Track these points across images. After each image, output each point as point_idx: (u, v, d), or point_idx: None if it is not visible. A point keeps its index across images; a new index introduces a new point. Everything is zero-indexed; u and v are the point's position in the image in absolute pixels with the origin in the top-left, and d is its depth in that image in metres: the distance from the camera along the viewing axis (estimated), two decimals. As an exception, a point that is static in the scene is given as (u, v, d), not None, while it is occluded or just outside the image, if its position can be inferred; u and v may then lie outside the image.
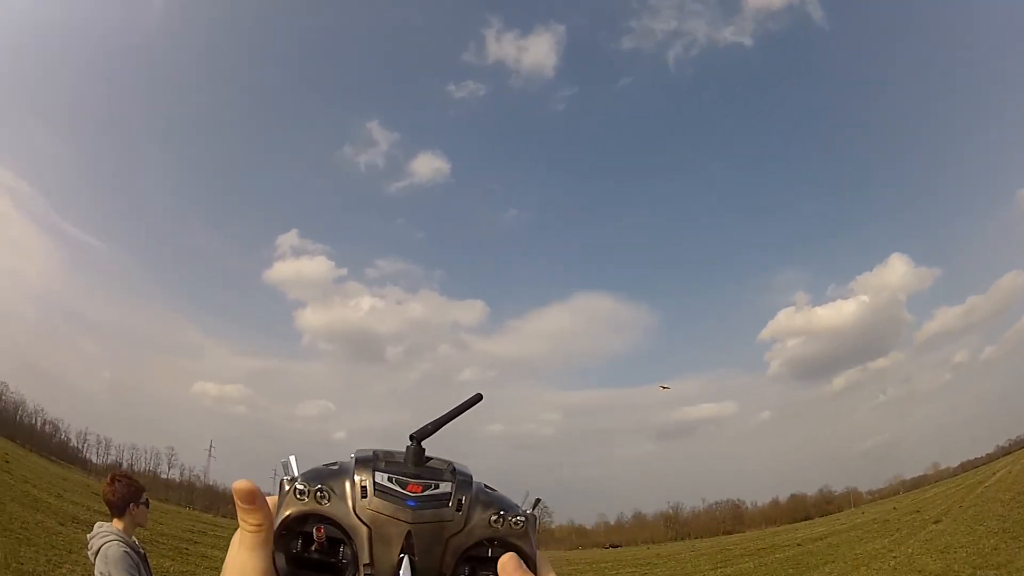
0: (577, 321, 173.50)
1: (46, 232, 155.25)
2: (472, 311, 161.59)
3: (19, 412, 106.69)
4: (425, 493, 1.03)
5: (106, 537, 5.66)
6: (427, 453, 1.11)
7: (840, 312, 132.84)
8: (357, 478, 1.03)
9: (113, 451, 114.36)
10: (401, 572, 0.98)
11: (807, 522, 77.65)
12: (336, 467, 1.07)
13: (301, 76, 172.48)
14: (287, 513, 1.01)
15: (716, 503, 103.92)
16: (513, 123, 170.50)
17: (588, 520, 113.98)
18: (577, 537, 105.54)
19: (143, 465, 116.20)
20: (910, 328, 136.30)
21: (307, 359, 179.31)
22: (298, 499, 1.01)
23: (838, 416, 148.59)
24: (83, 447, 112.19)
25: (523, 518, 1.07)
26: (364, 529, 1.00)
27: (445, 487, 1.04)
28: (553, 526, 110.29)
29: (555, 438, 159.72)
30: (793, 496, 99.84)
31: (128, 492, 5.96)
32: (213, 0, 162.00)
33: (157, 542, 34.97)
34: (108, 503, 5.89)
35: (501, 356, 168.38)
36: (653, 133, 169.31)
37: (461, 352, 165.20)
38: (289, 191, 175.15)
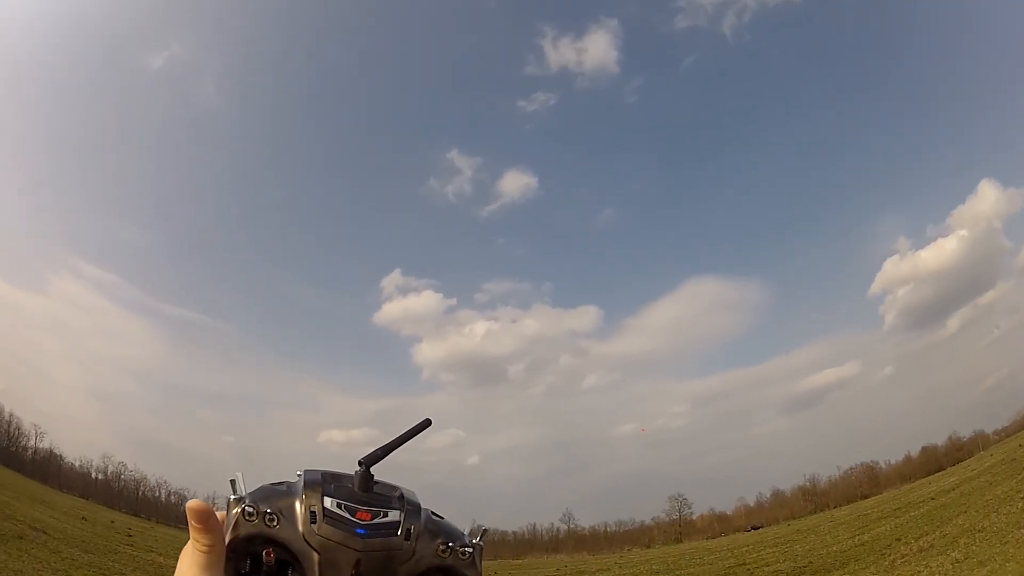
0: (690, 309, 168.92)
1: (144, 316, 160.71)
2: (586, 317, 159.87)
3: (140, 488, 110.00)
4: (374, 521, 1.04)
5: None
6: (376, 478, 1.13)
7: (942, 251, 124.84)
8: (306, 502, 1.04)
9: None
10: None
11: (939, 473, 72.74)
12: (284, 488, 1.08)
13: (373, 122, 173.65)
14: (236, 534, 1.02)
15: (851, 468, 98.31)
16: (589, 124, 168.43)
17: (728, 506, 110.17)
18: (719, 525, 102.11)
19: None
20: (1010, 254, 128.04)
21: (430, 392, 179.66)
22: (247, 520, 1.02)
23: (957, 359, 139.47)
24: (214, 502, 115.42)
25: (470, 548, 1.10)
26: (314, 555, 1.01)
27: (394, 515, 1.06)
28: (694, 517, 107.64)
29: (687, 429, 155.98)
30: (924, 449, 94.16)
31: None
32: (268, 71, 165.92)
33: None
34: None
35: (621, 357, 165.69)
36: (727, 105, 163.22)
37: (581, 360, 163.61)
38: (384, 234, 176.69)
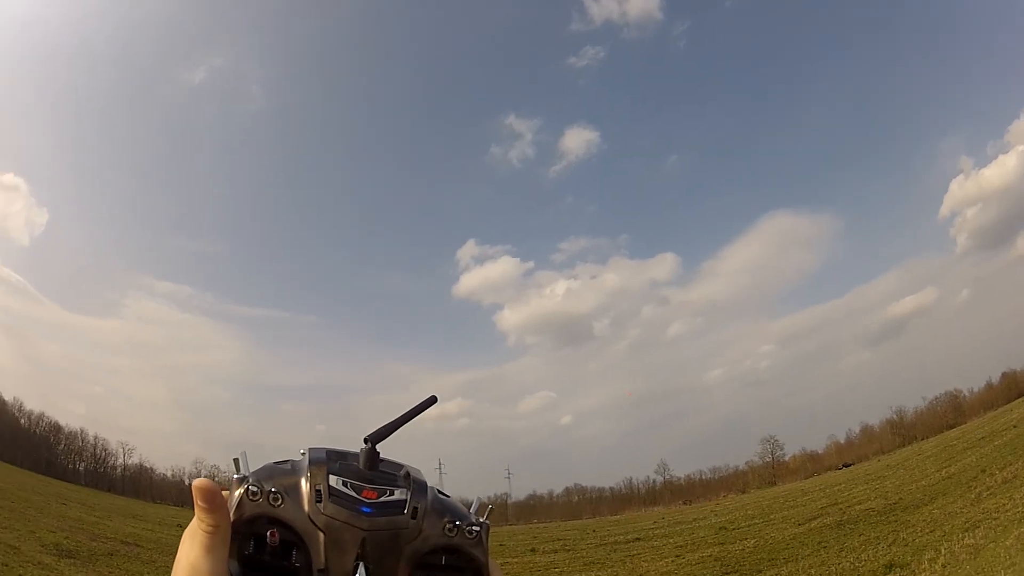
0: (767, 247, 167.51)
1: (222, 321, 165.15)
2: (664, 265, 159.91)
3: None
4: (380, 499, 1.03)
5: None
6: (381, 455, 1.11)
7: (1005, 168, 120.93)
8: (311, 481, 1.02)
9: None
10: None
11: (1021, 399, 72.64)
12: (288, 466, 1.07)
13: (427, 99, 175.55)
14: (239, 515, 1.00)
15: (935, 398, 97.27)
16: (642, 73, 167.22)
17: (819, 444, 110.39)
18: (811, 464, 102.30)
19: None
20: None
21: (517, 357, 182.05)
22: (251, 500, 1.00)
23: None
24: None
25: (477, 527, 1.07)
26: (319, 534, 0.99)
27: (400, 494, 1.04)
28: (787, 458, 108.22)
29: (774, 369, 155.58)
30: (1005, 374, 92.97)
31: None
32: (313, 65, 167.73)
33: (503, 574, 35.72)
34: None
35: (703, 302, 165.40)
36: (776, 37, 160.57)
37: (664, 309, 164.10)
38: (453, 207, 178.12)
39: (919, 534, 23.40)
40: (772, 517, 41.39)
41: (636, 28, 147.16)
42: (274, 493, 1.00)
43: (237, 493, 1.01)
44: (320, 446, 1.11)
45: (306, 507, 1.00)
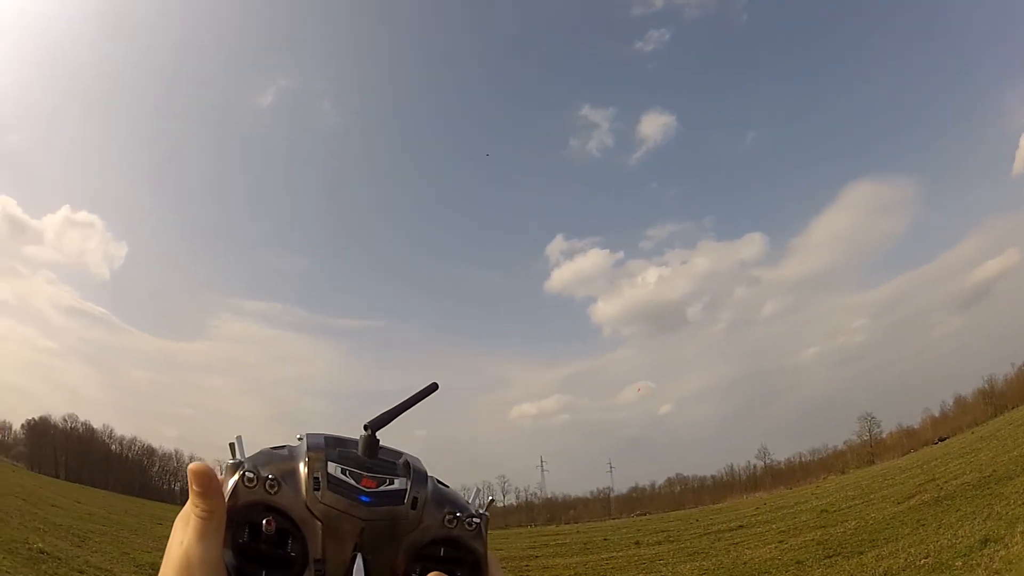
0: (852, 217, 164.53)
1: (316, 334, 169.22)
2: (753, 245, 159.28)
3: None
4: (380, 489, 0.98)
5: None
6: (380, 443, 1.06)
7: None
8: (310, 468, 0.97)
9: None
10: (355, 570, 0.93)
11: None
12: (286, 452, 1.02)
13: (501, 99, 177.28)
14: (235, 502, 0.95)
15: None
16: (710, 51, 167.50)
17: (914, 419, 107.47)
18: (907, 440, 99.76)
19: (477, 501, 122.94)
20: None
21: (613, 348, 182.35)
22: (247, 487, 0.95)
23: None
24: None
25: (478, 519, 1.03)
26: (316, 524, 0.95)
27: (400, 483, 1.00)
28: (884, 435, 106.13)
29: (868, 343, 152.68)
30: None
31: None
32: (383, 74, 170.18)
33: (501, 566, 36.50)
34: None
35: (794, 279, 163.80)
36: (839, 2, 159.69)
37: (756, 289, 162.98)
38: (538, 204, 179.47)
39: (1012, 506, 23.57)
40: (872, 497, 41.33)
41: (697, 6, 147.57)
42: (271, 480, 0.95)
43: (233, 479, 0.96)
44: (318, 432, 1.06)
45: (304, 495, 0.96)
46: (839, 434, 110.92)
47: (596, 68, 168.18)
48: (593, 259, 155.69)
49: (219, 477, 0.96)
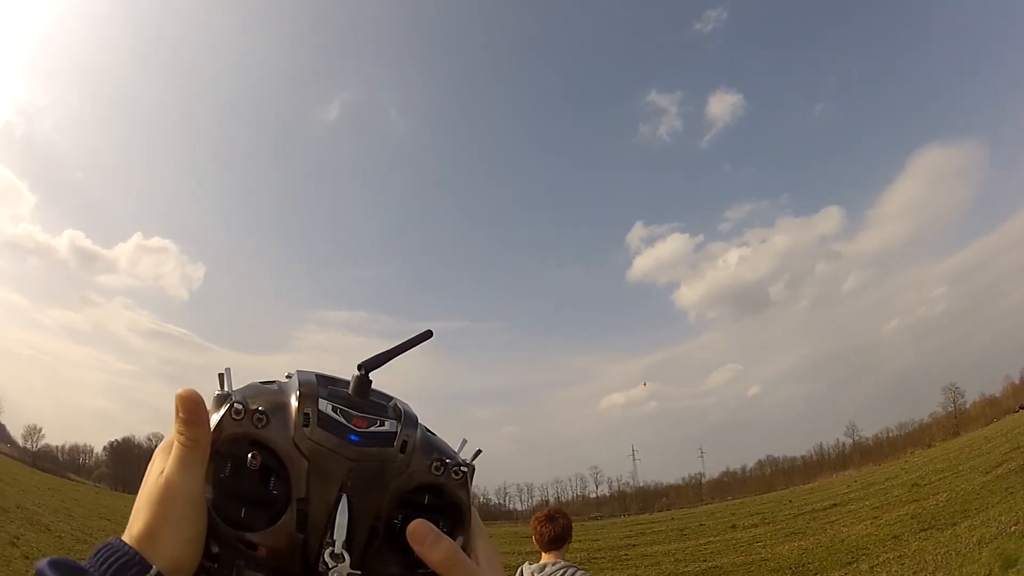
0: (924, 184, 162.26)
1: (400, 340, 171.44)
2: (830, 219, 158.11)
3: None
4: (370, 429, 0.92)
5: (566, 569, 5.54)
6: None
7: None
8: (300, 403, 0.91)
9: (536, 492, 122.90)
10: (338, 511, 0.88)
11: None
12: (275, 387, 0.96)
13: (570, 92, 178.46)
14: (220, 433, 0.89)
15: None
16: (768, 25, 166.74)
17: (995, 387, 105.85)
18: (990, 410, 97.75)
19: (570, 493, 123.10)
20: None
21: (699, 333, 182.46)
22: (234, 419, 0.89)
23: None
24: (505, 500, 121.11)
25: (465, 468, 0.97)
26: (303, 461, 0.88)
27: (390, 425, 0.94)
28: (967, 406, 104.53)
29: (948, 312, 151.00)
30: None
31: (569, 522, 5.88)
32: (448, 79, 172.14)
33: (595, 558, 37.41)
34: (551, 539, 5.73)
35: (872, 251, 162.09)
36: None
37: (836, 264, 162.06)
38: (614, 193, 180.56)
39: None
40: (960, 468, 41.46)
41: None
42: (259, 413, 0.89)
43: (220, 411, 0.90)
44: (308, 369, 1.00)
45: (292, 431, 0.89)
46: (925, 407, 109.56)
47: (658, 53, 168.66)
48: (673, 244, 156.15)
49: (207, 408, 0.90)
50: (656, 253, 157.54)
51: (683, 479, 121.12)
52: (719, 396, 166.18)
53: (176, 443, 0.87)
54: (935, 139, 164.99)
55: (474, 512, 0.98)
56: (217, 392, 0.93)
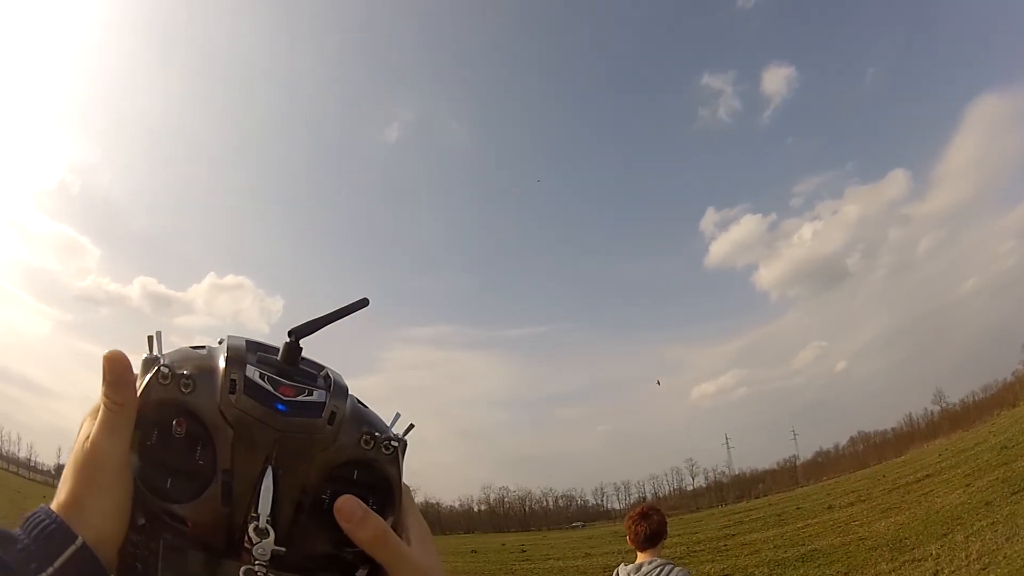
0: (982, 135, 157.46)
1: (486, 349, 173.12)
2: (897, 183, 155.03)
3: (526, 504, 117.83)
4: (298, 399, 0.86)
5: (663, 567, 5.32)
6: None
7: None
8: (227, 369, 0.86)
9: (633, 490, 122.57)
10: (263, 484, 0.83)
11: None
12: (204, 352, 0.91)
13: (627, 86, 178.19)
14: (147, 398, 0.84)
15: None
16: None
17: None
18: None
19: (666, 488, 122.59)
20: None
21: (781, 314, 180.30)
22: (161, 383, 0.84)
23: None
24: (602, 500, 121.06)
25: (395, 443, 0.92)
26: (228, 430, 0.84)
27: (319, 395, 0.88)
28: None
29: (1020, 266, 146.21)
30: None
31: (664, 519, 5.65)
32: (506, 84, 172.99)
33: (695, 551, 37.63)
34: (646, 537, 5.51)
35: (942, 210, 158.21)
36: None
37: (908, 228, 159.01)
38: (681, 181, 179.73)
39: None
40: (1049, 426, 40.79)
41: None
42: (186, 378, 0.85)
43: (147, 375, 0.85)
44: (239, 335, 0.94)
45: (218, 397, 0.84)
46: (1007, 365, 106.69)
47: (705, 36, 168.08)
48: (747, 226, 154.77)
49: (134, 371, 0.85)
50: (731, 237, 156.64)
51: (778, 463, 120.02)
52: (807, 375, 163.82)
53: (102, 407, 0.83)
54: (988, 88, 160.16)
55: (406, 489, 0.94)
56: (145, 355, 0.89)
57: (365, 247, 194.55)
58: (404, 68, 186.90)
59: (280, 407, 0.84)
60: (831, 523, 37.43)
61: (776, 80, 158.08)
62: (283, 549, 0.82)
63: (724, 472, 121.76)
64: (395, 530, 0.89)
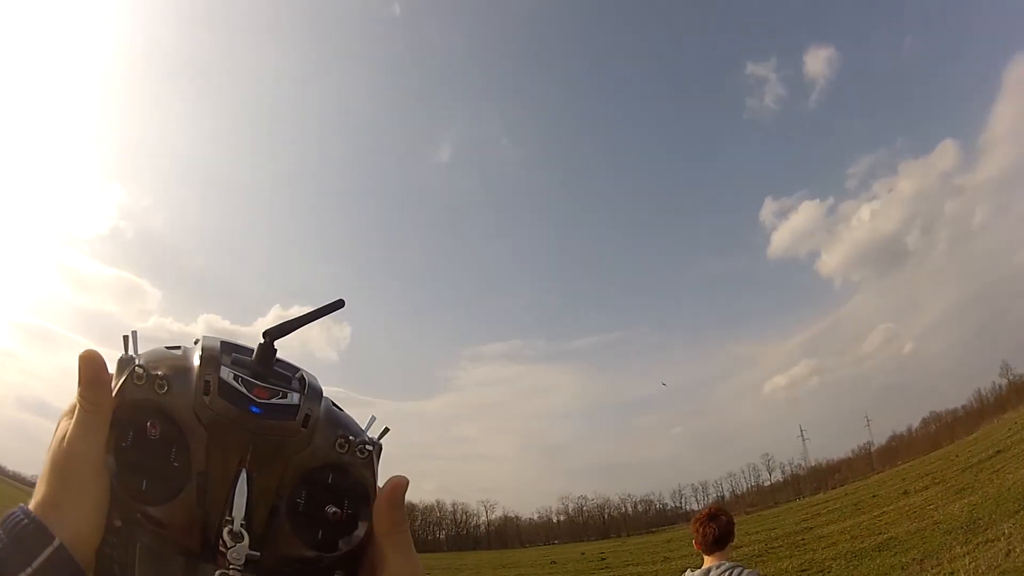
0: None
1: (557, 361, 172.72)
2: (947, 154, 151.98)
3: (604, 512, 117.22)
4: (272, 401, 0.85)
5: (732, 570, 5.17)
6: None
7: None
8: (201, 370, 0.85)
9: (711, 490, 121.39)
10: (237, 487, 0.82)
11: None
12: (179, 352, 0.90)
13: (672, 83, 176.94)
14: (121, 399, 0.83)
15: None
16: None
17: None
18: None
19: (744, 485, 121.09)
20: None
21: (846, 299, 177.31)
22: (136, 384, 0.83)
23: None
24: (681, 502, 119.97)
25: (370, 447, 0.91)
26: (201, 432, 0.83)
27: (293, 397, 0.87)
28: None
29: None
30: None
31: (731, 520, 5.52)
32: (554, 98, 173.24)
33: (773, 547, 37.47)
34: (714, 540, 5.38)
35: (993, 177, 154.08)
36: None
37: (962, 199, 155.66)
38: (737, 173, 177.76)
39: None
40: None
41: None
42: (160, 379, 0.83)
43: (122, 376, 0.84)
44: (214, 335, 0.92)
45: (192, 399, 0.83)
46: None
47: (743, 24, 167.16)
48: (806, 212, 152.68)
49: (109, 371, 0.83)
50: (791, 225, 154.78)
51: (853, 451, 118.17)
52: (876, 359, 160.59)
53: (78, 407, 0.82)
54: (1018, 48, 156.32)
55: (380, 490, 0.92)
56: (121, 356, 0.87)
57: (426, 267, 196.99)
58: (448, 86, 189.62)
59: (254, 409, 0.84)
60: (906, 509, 37.03)
61: (818, 62, 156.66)
62: (257, 553, 0.81)
63: (800, 465, 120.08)
64: (369, 536, 0.89)
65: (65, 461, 0.80)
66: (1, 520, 0.76)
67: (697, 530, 5.45)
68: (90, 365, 0.82)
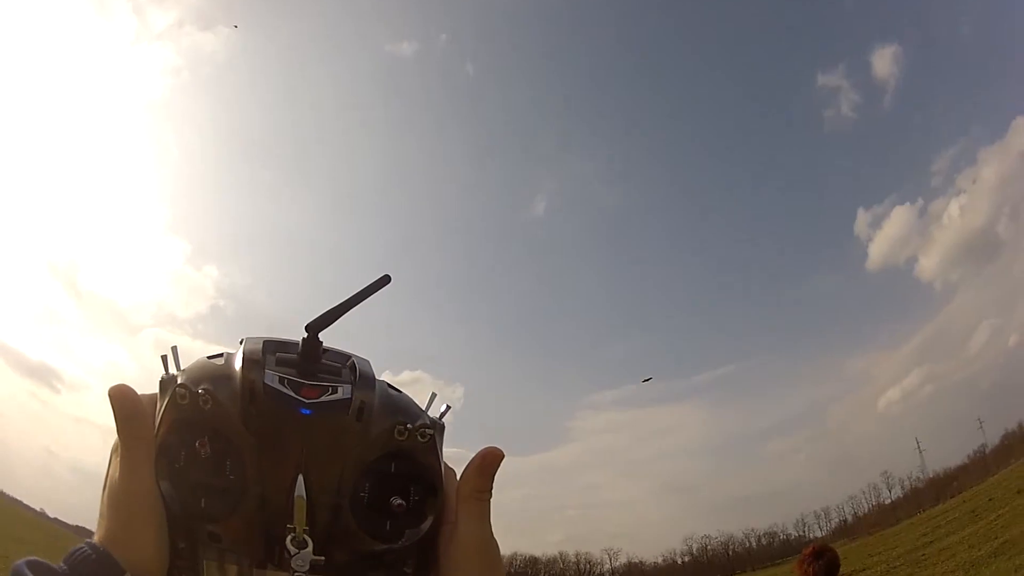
0: None
1: (676, 400, 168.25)
2: (1021, 132, 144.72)
3: (729, 549, 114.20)
4: (322, 399, 0.81)
5: None
6: (325, 344, 0.88)
7: None
8: (244, 377, 0.81)
9: (834, 514, 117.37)
10: (296, 492, 0.79)
11: None
12: (222, 361, 0.86)
13: (749, 119, 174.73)
14: (167, 421, 0.80)
15: None
16: None
17: None
18: None
19: (865, 506, 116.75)
20: None
21: (948, 299, 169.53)
22: (180, 403, 0.80)
23: None
24: (804, 531, 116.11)
25: (431, 429, 0.86)
26: (252, 442, 0.80)
27: (344, 390, 0.83)
28: None
29: None
30: None
31: (836, 555, 5.44)
32: (612, 118, 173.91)
33: (895, 567, 36.57)
34: None
35: None
36: None
37: None
38: (827, 188, 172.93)
39: None
40: None
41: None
42: (203, 395, 0.79)
43: (165, 398, 0.81)
44: (258, 335, 0.88)
45: (238, 409, 0.80)
46: None
47: (804, 36, 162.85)
48: (898, 216, 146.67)
49: (142, 400, 0.82)
50: (886, 234, 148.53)
51: (968, 456, 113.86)
52: (985, 358, 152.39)
53: (120, 444, 0.81)
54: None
55: (447, 470, 0.90)
56: (162, 376, 0.84)
57: (534, 322, 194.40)
58: (533, 139, 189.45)
59: (304, 411, 0.81)
60: (1021, 508, 36.03)
61: (885, 61, 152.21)
62: (322, 558, 0.80)
63: (919, 478, 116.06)
64: (442, 520, 0.87)
65: (119, 497, 0.80)
66: (67, 555, 0.74)
67: (803, 568, 5.42)
68: (122, 401, 0.81)
